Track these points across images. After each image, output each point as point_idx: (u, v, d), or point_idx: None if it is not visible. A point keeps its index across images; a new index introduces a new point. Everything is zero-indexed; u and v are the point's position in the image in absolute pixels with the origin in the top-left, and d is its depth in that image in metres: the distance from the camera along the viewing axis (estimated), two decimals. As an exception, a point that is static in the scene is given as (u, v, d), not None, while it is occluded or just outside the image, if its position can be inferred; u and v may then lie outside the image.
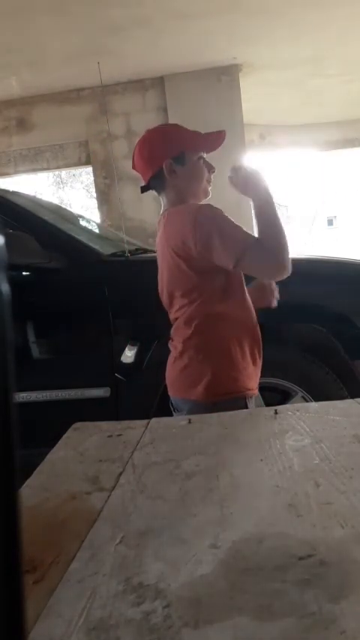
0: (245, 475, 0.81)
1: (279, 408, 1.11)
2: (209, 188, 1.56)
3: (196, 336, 1.47)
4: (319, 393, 2.23)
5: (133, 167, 1.57)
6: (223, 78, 5.38)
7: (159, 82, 5.51)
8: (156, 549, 0.63)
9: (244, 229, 1.40)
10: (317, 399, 2.18)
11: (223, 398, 1.41)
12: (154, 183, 1.52)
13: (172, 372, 1.55)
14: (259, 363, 1.55)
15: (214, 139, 1.55)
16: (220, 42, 4.71)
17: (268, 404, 2.25)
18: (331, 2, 4.07)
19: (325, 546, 0.59)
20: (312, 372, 2.33)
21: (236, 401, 1.40)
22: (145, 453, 0.94)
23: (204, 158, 1.54)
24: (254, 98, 5.53)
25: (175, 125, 1.58)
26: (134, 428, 1.08)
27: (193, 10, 4.04)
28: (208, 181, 1.55)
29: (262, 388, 2.37)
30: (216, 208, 1.42)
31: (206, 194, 1.56)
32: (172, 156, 1.48)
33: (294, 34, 4.59)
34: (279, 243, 1.36)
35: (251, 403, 1.45)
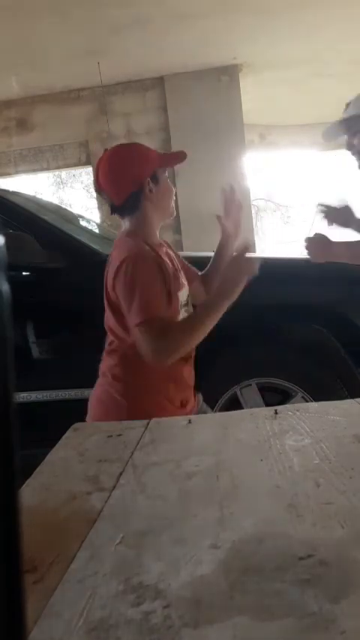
0: (245, 475, 0.81)
1: (279, 408, 1.11)
2: (172, 206, 1.55)
3: (121, 375, 1.46)
4: (319, 393, 2.23)
5: (100, 189, 1.50)
6: (223, 78, 5.38)
7: (159, 82, 5.51)
8: (156, 549, 0.63)
9: (154, 300, 1.35)
10: (317, 399, 2.18)
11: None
12: (128, 203, 1.45)
13: (93, 398, 1.53)
14: (190, 406, 1.52)
15: (177, 155, 1.53)
16: (220, 42, 4.72)
17: (268, 404, 2.25)
18: (330, 2, 4.07)
19: (325, 546, 0.59)
20: (312, 372, 2.33)
21: None
22: (145, 453, 0.94)
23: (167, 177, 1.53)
24: (254, 98, 5.53)
25: (139, 144, 1.57)
26: (134, 428, 1.08)
27: (193, 10, 4.04)
28: (173, 199, 1.54)
29: (262, 388, 2.38)
30: (145, 261, 1.37)
31: (172, 212, 1.55)
32: (149, 174, 1.45)
33: (294, 34, 4.59)
34: (186, 341, 1.36)
35: None
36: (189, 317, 1.44)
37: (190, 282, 1.58)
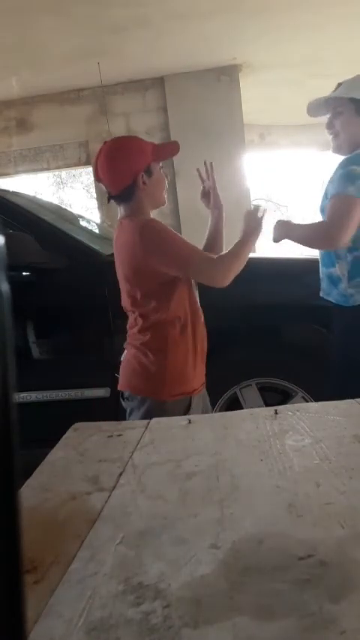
0: (245, 475, 0.81)
1: (279, 408, 1.11)
2: (165, 195, 1.68)
3: (151, 339, 1.59)
4: (319, 393, 2.23)
5: (97, 179, 1.64)
6: (223, 78, 5.38)
7: (159, 82, 5.51)
8: (156, 549, 0.63)
9: (185, 241, 1.55)
10: (317, 399, 2.18)
11: (173, 398, 1.55)
12: (124, 193, 1.60)
13: (126, 368, 1.66)
14: (204, 361, 1.69)
15: (171, 148, 1.67)
16: (220, 42, 4.71)
17: (268, 404, 2.25)
18: (330, 2, 4.07)
19: (325, 546, 0.59)
20: (312, 372, 2.33)
21: (183, 401, 1.57)
22: (145, 453, 0.94)
23: (162, 168, 1.65)
24: (254, 98, 5.53)
25: (136, 137, 1.69)
26: (134, 428, 1.08)
27: (193, 11, 4.04)
28: (166, 190, 1.68)
29: (262, 388, 2.38)
30: (160, 222, 1.56)
31: (163, 202, 1.68)
32: (144, 168, 1.58)
33: (294, 34, 4.59)
34: (234, 264, 1.55)
35: (196, 401, 1.60)
36: (231, 250, 1.59)
37: None
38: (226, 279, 1.55)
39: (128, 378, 1.64)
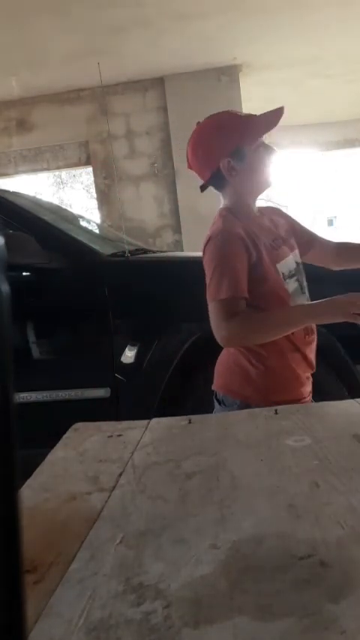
0: (245, 475, 0.81)
1: (279, 408, 1.11)
2: (270, 176, 1.42)
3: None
4: (319, 393, 2.23)
5: (189, 166, 1.46)
6: (223, 78, 5.38)
7: (159, 82, 5.51)
8: (156, 549, 0.63)
9: (233, 281, 1.31)
10: (317, 399, 2.18)
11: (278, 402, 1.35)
12: (213, 182, 1.41)
13: (226, 365, 1.50)
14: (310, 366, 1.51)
15: (272, 118, 1.40)
16: (220, 42, 4.71)
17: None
18: (330, 2, 4.07)
19: (325, 546, 0.59)
20: (312, 372, 2.33)
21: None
22: (145, 453, 0.94)
23: (264, 143, 1.40)
24: (254, 98, 5.53)
25: (228, 113, 1.43)
26: (134, 428, 1.08)
27: (193, 11, 4.04)
28: (270, 167, 1.40)
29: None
30: (229, 241, 1.33)
31: (267, 184, 1.44)
32: (230, 153, 1.36)
33: (294, 34, 4.59)
34: (253, 333, 1.33)
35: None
36: (265, 315, 1.36)
37: (305, 246, 1.53)
38: (228, 343, 1.35)
39: (226, 378, 1.48)
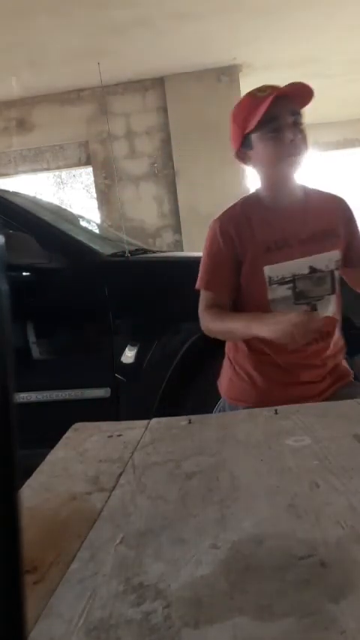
0: (245, 475, 0.81)
1: (279, 408, 1.11)
2: (292, 157, 1.31)
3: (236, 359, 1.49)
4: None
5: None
6: (223, 78, 5.38)
7: (159, 82, 5.51)
8: (156, 549, 0.63)
9: (206, 275, 1.40)
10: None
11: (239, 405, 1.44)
12: (241, 161, 1.42)
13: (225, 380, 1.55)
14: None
15: (291, 90, 1.32)
16: (220, 42, 4.72)
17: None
18: (330, 2, 4.07)
19: (325, 546, 0.59)
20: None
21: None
22: (146, 453, 0.94)
23: (275, 124, 1.29)
24: (254, 98, 5.53)
25: (247, 95, 1.34)
26: (134, 428, 1.08)
27: (193, 11, 4.04)
28: (291, 141, 1.29)
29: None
30: (214, 235, 1.36)
31: (290, 165, 1.32)
32: (240, 141, 1.36)
33: (294, 34, 4.59)
34: (216, 332, 1.40)
35: None
36: (227, 317, 1.37)
37: (347, 260, 1.42)
38: (204, 331, 1.42)
39: (223, 384, 1.55)
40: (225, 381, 1.52)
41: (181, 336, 2.39)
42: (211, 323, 1.38)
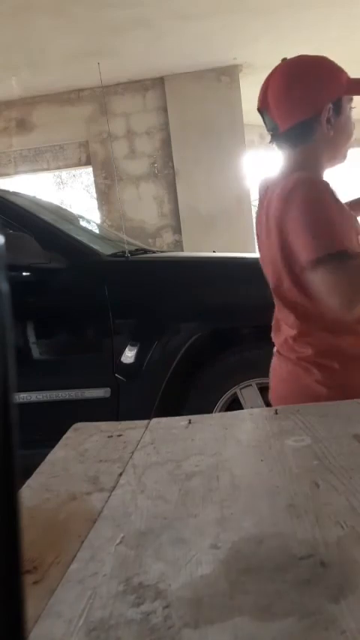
0: (245, 475, 0.81)
1: (279, 408, 1.11)
2: (347, 150, 1.21)
3: (320, 362, 1.19)
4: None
5: (264, 106, 1.19)
6: (223, 78, 5.39)
7: (159, 83, 5.51)
8: (156, 549, 0.63)
9: (342, 232, 1.06)
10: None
11: None
12: (296, 131, 1.14)
13: (287, 384, 1.26)
14: None
15: None
16: (220, 42, 4.72)
17: (268, 404, 2.25)
18: (331, 2, 4.07)
19: (325, 546, 0.59)
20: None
21: None
22: (146, 453, 0.94)
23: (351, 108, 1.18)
24: (254, 98, 5.51)
25: (325, 58, 1.17)
26: (134, 428, 1.08)
27: (194, 11, 4.05)
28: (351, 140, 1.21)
29: (263, 388, 2.38)
30: (325, 187, 1.08)
31: (345, 157, 1.23)
32: (332, 100, 1.13)
33: (294, 35, 4.59)
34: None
35: None
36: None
37: None
38: (349, 310, 1.05)
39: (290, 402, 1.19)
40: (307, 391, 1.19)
41: (181, 336, 2.39)
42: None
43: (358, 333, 1.15)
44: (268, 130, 1.21)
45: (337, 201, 1.10)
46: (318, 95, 1.13)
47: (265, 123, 1.21)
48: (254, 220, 1.35)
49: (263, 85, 1.19)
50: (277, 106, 1.16)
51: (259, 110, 1.22)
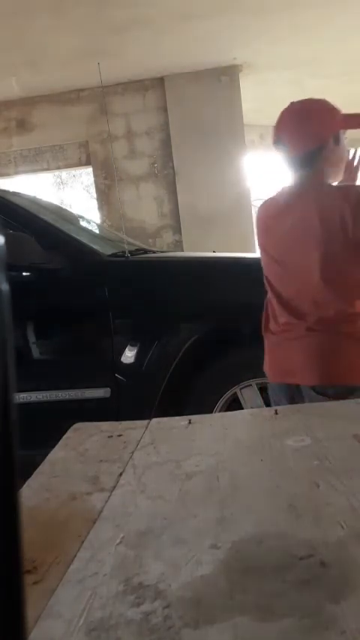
0: (245, 475, 0.81)
1: (279, 408, 1.11)
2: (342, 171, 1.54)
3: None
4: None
5: (278, 139, 1.48)
6: (223, 78, 5.38)
7: (159, 83, 5.51)
8: (156, 549, 0.63)
9: None
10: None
11: None
12: (304, 158, 1.44)
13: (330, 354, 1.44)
14: None
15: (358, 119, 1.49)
16: (220, 42, 4.72)
17: (268, 404, 2.25)
18: (330, 2, 4.07)
19: (325, 546, 0.59)
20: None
21: None
22: (146, 453, 0.94)
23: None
24: (254, 98, 5.53)
25: (325, 101, 1.50)
26: (134, 428, 1.08)
27: (193, 11, 4.04)
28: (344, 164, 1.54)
29: (263, 388, 2.38)
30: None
31: (341, 176, 1.53)
32: (334, 133, 1.45)
33: (294, 34, 4.59)
34: None
35: None
36: None
37: None
38: None
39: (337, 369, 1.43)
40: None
41: (181, 336, 2.39)
42: None
43: None
44: (283, 160, 1.50)
45: None
46: (321, 131, 1.44)
47: (279, 151, 1.50)
48: (255, 223, 1.61)
49: (276, 123, 1.50)
50: (288, 138, 1.46)
51: (274, 142, 1.51)
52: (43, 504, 0.78)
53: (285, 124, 1.46)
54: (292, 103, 1.48)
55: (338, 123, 1.46)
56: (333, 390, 1.40)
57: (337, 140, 1.46)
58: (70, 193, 13.57)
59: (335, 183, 1.52)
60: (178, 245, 5.54)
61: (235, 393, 2.38)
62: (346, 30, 4.57)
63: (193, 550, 0.62)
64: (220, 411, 2.27)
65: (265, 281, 1.60)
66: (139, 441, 1.01)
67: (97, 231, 3.54)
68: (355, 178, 1.56)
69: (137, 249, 3.00)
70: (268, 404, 2.25)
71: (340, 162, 1.49)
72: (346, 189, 1.42)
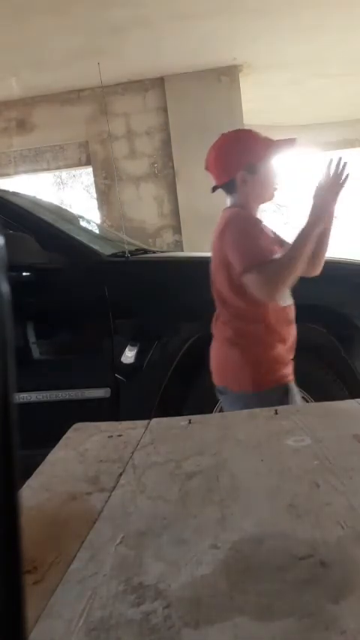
0: (245, 475, 0.81)
1: (279, 408, 1.11)
2: (275, 192, 1.65)
3: (237, 342, 1.60)
4: (319, 393, 2.23)
5: (207, 168, 1.66)
6: (223, 78, 5.38)
7: (159, 83, 5.51)
8: (156, 550, 0.63)
9: (261, 247, 1.50)
10: (317, 399, 2.18)
11: (269, 386, 1.54)
12: (226, 187, 1.62)
13: (217, 359, 1.66)
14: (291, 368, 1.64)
15: (286, 145, 1.62)
16: (220, 42, 4.71)
17: (268, 404, 2.25)
18: (331, 2, 4.07)
19: (325, 546, 0.59)
20: (312, 372, 2.33)
21: (278, 389, 1.55)
22: (146, 453, 0.94)
23: (272, 164, 1.62)
24: (254, 99, 5.53)
25: (250, 132, 1.65)
26: (134, 428, 1.08)
27: (193, 11, 4.04)
28: (275, 185, 1.64)
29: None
30: (249, 219, 1.57)
31: (271, 198, 1.65)
32: (245, 166, 1.57)
33: (294, 34, 4.58)
34: (288, 272, 1.46)
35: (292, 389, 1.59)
36: (286, 252, 1.51)
37: None
38: (273, 297, 1.51)
39: (219, 369, 1.66)
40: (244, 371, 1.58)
41: (181, 336, 2.39)
42: (285, 268, 1.45)
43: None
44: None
45: (261, 230, 1.59)
46: (231, 166, 1.59)
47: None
48: None
49: (209, 153, 1.64)
50: (212, 170, 1.64)
51: (206, 169, 1.67)
52: (44, 505, 0.78)
53: (208, 157, 1.63)
54: (222, 135, 1.63)
55: (250, 156, 1.56)
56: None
57: (252, 171, 1.57)
58: (70, 193, 13.57)
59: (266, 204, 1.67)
60: (178, 245, 5.54)
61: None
62: (347, 30, 4.57)
63: (193, 550, 0.62)
64: (220, 411, 2.27)
65: None
66: (139, 440, 1.01)
67: (97, 232, 3.54)
68: (334, 191, 1.57)
69: (137, 249, 3.00)
70: (268, 404, 2.25)
71: (262, 187, 1.60)
72: (231, 215, 1.57)
